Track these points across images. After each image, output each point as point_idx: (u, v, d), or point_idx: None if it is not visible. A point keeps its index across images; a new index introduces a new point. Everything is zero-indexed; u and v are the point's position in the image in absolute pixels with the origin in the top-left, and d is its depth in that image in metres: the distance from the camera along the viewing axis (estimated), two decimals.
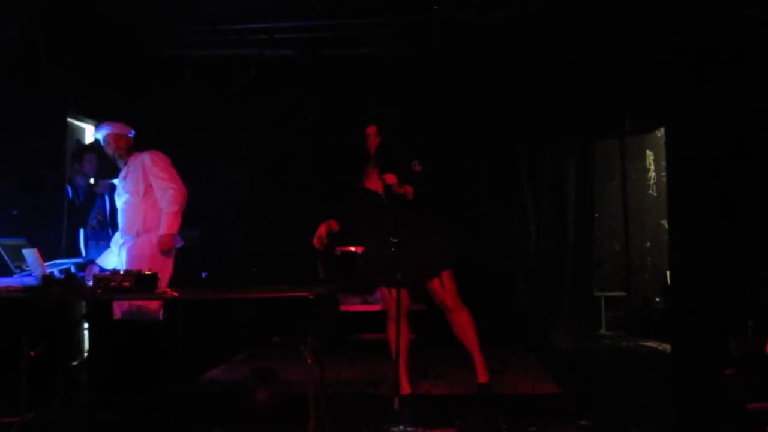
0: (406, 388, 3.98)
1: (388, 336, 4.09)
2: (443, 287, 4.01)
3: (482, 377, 4.06)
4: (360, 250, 6.46)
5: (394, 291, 3.84)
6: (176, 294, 3.43)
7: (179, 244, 4.33)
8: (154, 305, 4.11)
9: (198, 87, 6.20)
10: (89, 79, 5.34)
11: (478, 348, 4.06)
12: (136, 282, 3.40)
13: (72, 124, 5.63)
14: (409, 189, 3.86)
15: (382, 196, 3.87)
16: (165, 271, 4.21)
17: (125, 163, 4.36)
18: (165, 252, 4.17)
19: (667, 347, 5.63)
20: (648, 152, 6.71)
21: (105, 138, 4.36)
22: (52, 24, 4.92)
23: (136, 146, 4.44)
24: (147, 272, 3.63)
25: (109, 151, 4.38)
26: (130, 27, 5.57)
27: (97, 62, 5.40)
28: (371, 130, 4.06)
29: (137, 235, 4.26)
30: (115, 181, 4.44)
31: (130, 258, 4.20)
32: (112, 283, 3.36)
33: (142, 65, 5.94)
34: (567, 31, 5.63)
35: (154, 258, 4.19)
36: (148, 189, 4.27)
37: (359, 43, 5.97)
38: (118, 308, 4.08)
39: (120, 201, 4.35)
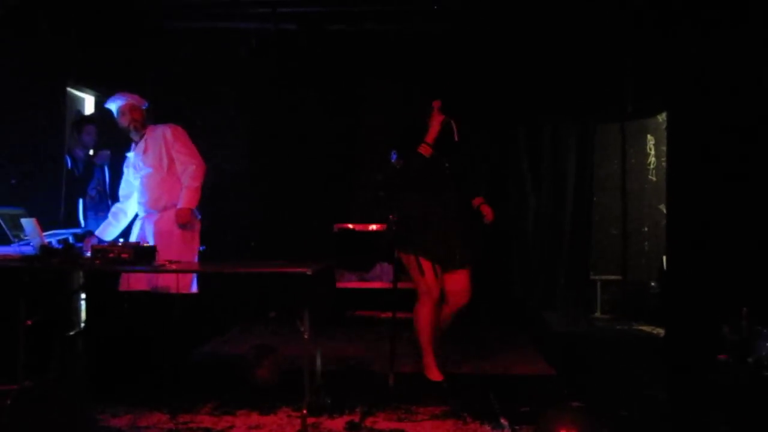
0: (437, 374, 3.90)
1: (418, 320, 3.89)
2: (467, 288, 3.93)
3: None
4: (359, 227, 6.50)
5: (438, 269, 3.83)
6: (174, 267, 3.44)
7: (198, 216, 4.35)
8: (185, 278, 4.14)
9: (198, 59, 6.16)
10: (90, 49, 5.30)
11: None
12: (135, 254, 3.42)
13: (72, 94, 5.60)
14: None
15: (446, 170, 3.89)
16: (194, 243, 4.30)
17: (141, 136, 4.31)
18: (182, 226, 4.18)
19: (661, 331, 5.66)
20: (649, 137, 6.70)
21: (120, 108, 4.29)
22: None
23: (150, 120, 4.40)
24: (146, 245, 3.65)
25: (124, 122, 4.31)
26: None
27: (98, 33, 5.36)
28: (436, 103, 3.87)
29: (164, 209, 4.25)
30: (130, 154, 4.36)
31: (157, 231, 4.21)
32: (111, 255, 3.38)
33: (143, 36, 5.90)
34: (571, 13, 5.59)
35: (184, 231, 4.23)
36: (171, 163, 4.26)
37: (363, 18, 5.93)
38: (136, 280, 4.08)
39: (138, 174, 4.30)
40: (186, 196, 4.21)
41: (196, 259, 4.28)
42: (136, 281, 4.08)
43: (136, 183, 4.32)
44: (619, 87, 6.26)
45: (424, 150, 3.81)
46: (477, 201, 4.06)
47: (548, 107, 6.45)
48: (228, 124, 6.42)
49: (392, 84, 6.33)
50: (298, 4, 5.75)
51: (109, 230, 4.34)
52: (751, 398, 3.40)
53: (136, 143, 4.33)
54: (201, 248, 5.85)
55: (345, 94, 6.65)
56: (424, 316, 3.88)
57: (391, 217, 3.84)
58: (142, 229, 4.27)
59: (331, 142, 6.70)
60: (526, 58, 6.16)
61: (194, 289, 4.23)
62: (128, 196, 4.38)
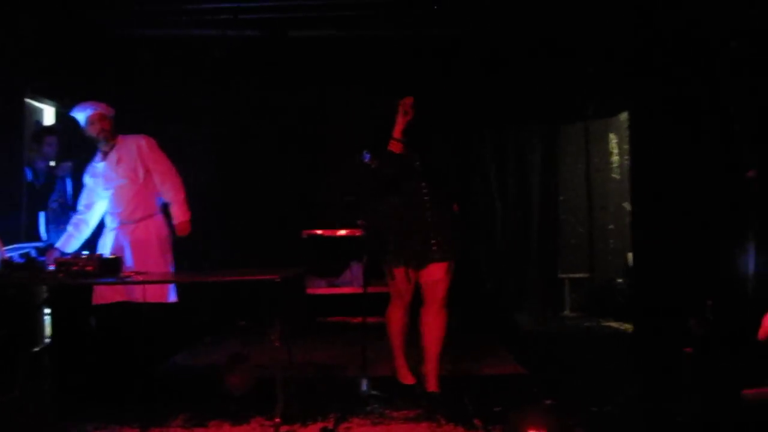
0: (408, 378, 3.89)
1: (390, 323, 3.89)
2: (444, 278, 3.75)
3: (433, 386, 3.77)
4: (328, 233, 6.48)
5: (411, 272, 3.74)
6: (140, 277, 3.39)
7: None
8: (163, 289, 4.09)
9: (159, 68, 6.08)
10: (48, 59, 5.20)
11: (439, 357, 3.80)
12: (100, 266, 3.36)
13: (31, 105, 5.49)
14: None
15: (417, 166, 3.73)
16: (168, 253, 4.28)
17: (111, 146, 4.24)
18: (183, 235, 4.24)
19: (629, 327, 5.75)
20: (611, 136, 6.80)
21: (89, 118, 4.20)
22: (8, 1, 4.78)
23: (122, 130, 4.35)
24: (111, 256, 3.59)
25: (93, 131, 4.22)
26: (90, 5, 5.43)
27: (57, 42, 5.26)
28: (409, 101, 3.68)
29: (140, 220, 4.21)
30: (99, 165, 4.28)
31: (134, 242, 4.17)
32: (74, 267, 3.32)
33: (103, 45, 5.80)
34: (533, 15, 5.65)
35: (161, 241, 4.23)
36: (147, 174, 4.23)
37: (325, 24, 5.91)
38: (109, 292, 4.02)
39: (109, 185, 4.23)
40: (179, 209, 4.25)
41: (172, 269, 4.25)
42: (112, 294, 4.02)
43: (107, 194, 4.25)
44: (581, 87, 6.34)
45: (394, 146, 3.64)
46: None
47: (512, 109, 6.51)
48: (193, 132, 6.35)
49: (357, 89, 6.33)
50: (260, 11, 5.71)
51: (71, 242, 4.26)
52: (715, 389, 3.47)
53: (106, 153, 4.26)
54: None
55: (310, 100, 6.63)
56: (395, 319, 3.86)
57: (360, 222, 3.83)
58: (116, 240, 4.21)
59: (297, 148, 6.67)
60: (489, 61, 6.21)
61: (173, 298, 4.19)
62: (90, 206, 4.30)
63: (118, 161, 4.22)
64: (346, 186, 6.42)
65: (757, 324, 3.18)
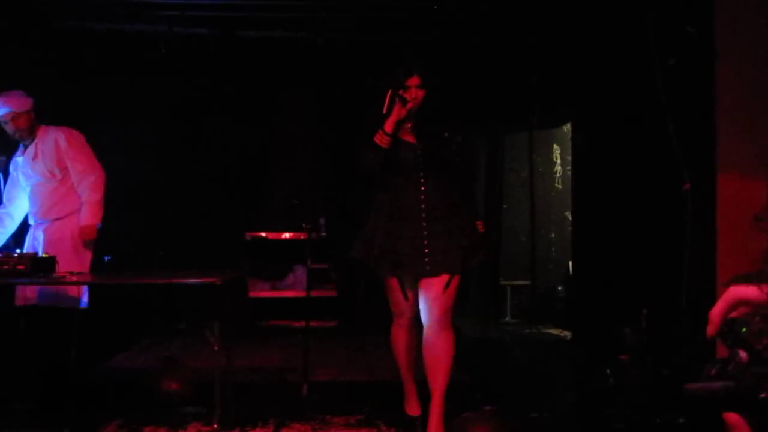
0: (413, 407, 3.36)
1: (392, 344, 3.34)
2: (439, 295, 3.07)
3: (434, 428, 3.13)
4: (272, 236, 6.41)
5: (407, 284, 3.13)
6: (75, 278, 3.28)
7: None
8: (77, 291, 3.92)
9: (103, 63, 5.92)
10: None
11: (444, 391, 3.16)
12: (32, 265, 3.24)
13: None
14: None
15: (419, 161, 3.12)
16: (85, 255, 4.05)
17: (32, 140, 4.05)
18: (88, 243, 3.97)
19: (568, 334, 5.86)
20: (555, 146, 6.94)
21: (2, 118, 4.00)
22: None
23: (39, 116, 4.12)
24: (44, 255, 3.47)
25: (9, 130, 4.03)
26: None
27: None
28: (414, 81, 3.13)
29: (56, 219, 4.03)
30: (19, 159, 4.10)
31: (48, 241, 3.97)
32: (5, 267, 3.19)
33: (44, 36, 5.61)
34: (477, 23, 5.71)
35: (75, 241, 4.01)
36: (65, 171, 4.03)
37: (275, 25, 5.86)
38: (34, 293, 3.85)
39: (28, 182, 4.06)
40: (89, 211, 3.99)
41: (87, 271, 4.09)
42: (33, 294, 3.87)
43: (27, 190, 4.09)
44: (526, 98, 6.45)
45: (380, 139, 3.06)
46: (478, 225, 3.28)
47: (457, 117, 6.55)
48: (135, 129, 6.20)
49: (304, 92, 6.30)
50: (208, 8, 5.62)
51: None
52: (649, 396, 3.56)
53: (26, 146, 4.08)
54: (106, 258, 5.62)
55: (257, 102, 6.56)
56: (396, 339, 3.32)
57: (304, 225, 3.74)
58: (32, 238, 4.05)
59: (242, 149, 6.59)
60: (433, 67, 6.24)
61: (84, 304, 3.99)
62: (12, 200, 4.13)
63: (35, 157, 4.02)
64: (292, 188, 6.38)
65: (690, 332, 3.28)
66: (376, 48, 6.08)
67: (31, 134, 4.05)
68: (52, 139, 4.03)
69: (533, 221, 6.83)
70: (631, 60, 4.59)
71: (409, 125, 3.13)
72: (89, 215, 4.00)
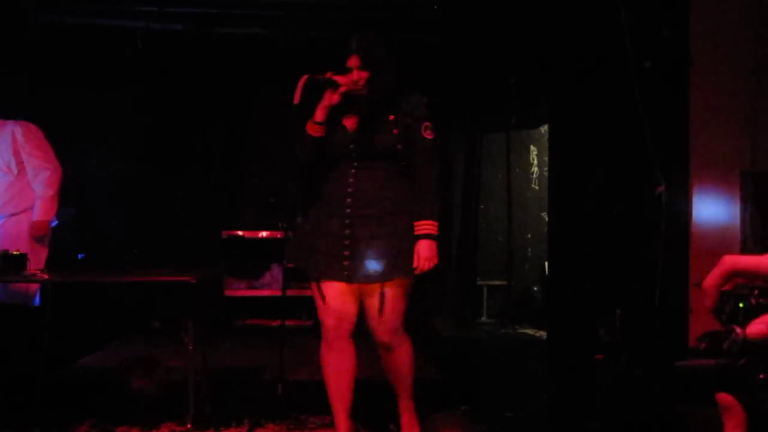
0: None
1: (323, 370, 2.91)
2: (395, 301, 2.77)
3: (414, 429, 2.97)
4: (249, 234, 6.37)
5: (333, 290, 2.73)
6: (46, 276, 3.23)
7: (54, 223, 4.08)
8: (31, 288, 3.86)
9: (78, 58, 5.85)
10: None
11: (412, 385, 2.98)
12: (3, 262, 3.19)
13: None
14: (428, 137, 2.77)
15: (351, 151, 2.72)
16: (41, 251, 3.98)
17: None
18: (38, 239, 3.90)
19: (544, 334, 5.89)
20: (532, 147, 6.98)
21: None
22: None
23: (3, 113, 4.05)
24: (15, 252, 3.41)
25: None
26: None
27: None
28: (354, 61, 2.73)
29: (12, 214, 3.96)
30: None
31: (3, 237, 3.91)
32: None
33: (19, 29, 5.52)
34: (456, 23, 5.73)
35: (31, 237, 3.94)
36: (21, 166, 3.95)
37: (251, 23, 5.83)
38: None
39: None
40: (42, 207, 3.93)
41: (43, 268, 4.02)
42: None
43: None
44: (504, 99, 6.48)
45: (310, 128, 2.75)
46: (417, 227, 2.76)
47: (435, 116, 6.57)
48: (110, 126, 6.14)
49: (281, 90, 6.25)
50: (186, 4, 5.57)
51: None
52: (623, 395, 3.59)
53: None
54: (80, 256, 5.56)
55: (233, 99, 6.51)
56: (322, 357, 2.90)
57: (280, 224, 3.70)
58: None
59: (218, 147, 6.54)
60: (413, 68, 6.25)
61: (36, 302, 3.94)
62: None
63: None
64: (269, 187, 6.34)
65: (663, 333, 3.31)
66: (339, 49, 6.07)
67: None
68: (9, 131, 3.96)
69: (510, 222, 6.87)
70: (608, 62, 4.64)
71: (354, 109, 2.74)
72: (42, 211, 3.93)
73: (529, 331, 6.24)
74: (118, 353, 5.06)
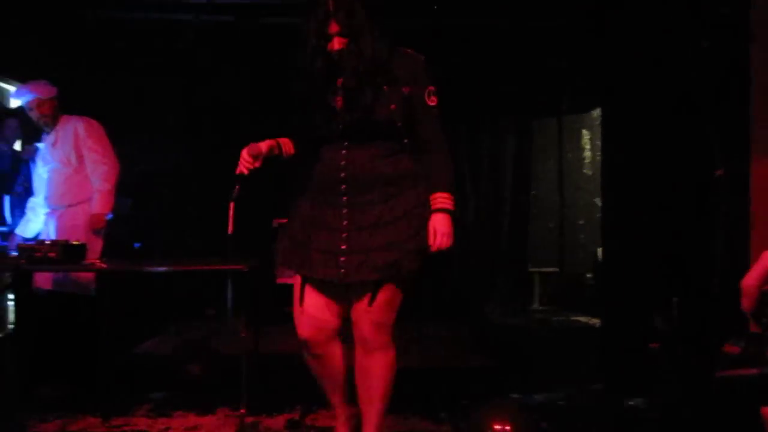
0: None
1: (310, 369, 2.61)
2: (388, 292, 2.34)
3: None
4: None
5: (326, 299, 2.41)
6: (105, 265, 3.33)
7: (109, 216, 4.20)
8: (87, 277, 3.99)
9: (132, 51, 5.97)
10: (15, 38, 5.07)
11: (384, 409, 2.47)
12: (63, 252, 3.29)
13: None
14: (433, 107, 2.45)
15: (341, 123, 2.37)
16: (97, 242, 4.09)
17: (53, 128, 4.14)
18: (96, 231, 4.03)
19: (597, 322, 5.79)
20: (584, 132, 6.84)
21: (27, 104, 4.11)
22: None
23: (64, 107, 4.20)
24: (75, 242, 3.52)
25: (33, 117, 4.14)
26: None
27: (24, 21, 5.13)
28: (334, 28, 2.33)
29: (69, 206, 4.10)
30: (41, 145, 4.21)
31: (60, 228, 4.05)
32: (37, 254, 3.24)
33: (74, 26, 5.68)
34: (506, 8, 5.64)
35: (87, 229, 4.06)
36: (81, 159, 4.10)
37: (296, 11, 5.84)
38: (48, 279, 3.94)
39: (46, 168, 4.16)
40: (99, 201, 4.07)
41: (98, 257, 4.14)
42: (43, 280, 3.94)
43: (45, 177, 4.15)
44: (555, 83, 6.36)
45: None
46: (432, 201, 2.44)
47: (486, 104, 6.52)
48: (164, 117, 6.26)
49: None
50: None
51: (30, 226, 4.19)
52: (680, 385, 3.51)
53: (47, 133, 4.18)
54: (136, 245, 5.70)
55: (283, 87, 6.56)
56: (310, 367, 2.59)
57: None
58: (45, 225, 4.13)
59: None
60: (464, 55, 6.20)
61: (93, 292, 4.05)
62: (41, 189, 4.23)
63: (54, 144, 4.12)
64: None
65: (721, 322, 3.22)
66: (405, 34, 6.03)
67: (53, 121, 4.13)
68: (72, 127, 4.11)
69: (562, 207, 6.76)
70: (662, 42, 4.50)
71: (339, 82, 2.37)
72: (99, 205, 4.07)
73: (582, 319, 6.15)
74: (174, 339, 5.19)
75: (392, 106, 2.35)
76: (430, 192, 2.43)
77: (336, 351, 2.48)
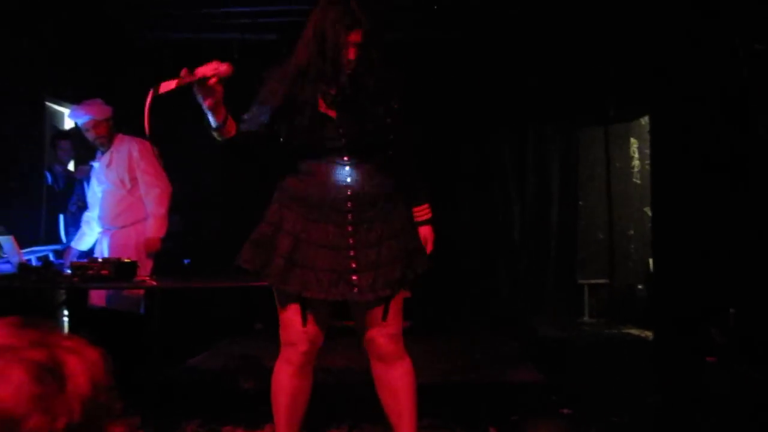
0: None
1: (275, 389, 2.56)
2: (397, 303, 2.38)
3: None
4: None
5: (327, 315, 2.42)
6: (155, 283, 3.38)
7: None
8: (137, 294, 4.06)
9: (179, 71, 6.10)
10: (69, 61, 5.24)
11: (416, 419, 2.52)
12: (115, 270, 3.36)
13: (51, 108, 5.54)
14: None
15: (343, 137, 2.27)
16: (148, 262, 4.17)
17: (108, 148, 4.21)
18: (151, 255, 4.10)
19: (650, 335, 5.65)
20: (632, 140, 6.71)
21: (84, 126, 4.19)
22: (30, 5, 4.82)
23: (117, 125, 4.28)
24: (126, 260, 3.59)
25: (89, 138, 4.22)
26: (112, 9, 5.47)
27: (76, 44, 5.30)
28: (356, 36, 2.21)
29: (122, 226, 4.18)
30: (95, 164, 4.31)
31: (113, 247, 4.14)
32: (90, 272, 3.32)
33: (123, 48, 5.84)
34: (554, 17, 5.59)
35: (139, 249, 4.13)
36: (135, 181, 4.17)
37: None
38: (101, 296, 4.03)
39: (100, 187, 4.26)
40: (154, 225, 4.12)
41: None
42: (97, 298, 4.03)
43: (99, 196, 4.25)
44: (601, 91, 6.27)
45: (217, 135, 2.49)
46: (416, 213, 2.50)
47: (531, 113, 6.46)
48: (210, 135, 6.38)
49: None
50: (279, 15, 5.72)
51: (84, 240, 4.30)
52: (739, 401, 3.39)
53: (103, 153, 4.25)
54: (186, 261, 5.79)
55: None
56: (278, 379, 2.53)
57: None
58: (99, 243, 4.22)
59: None
60: (509, 63, 6.16)
61: (142, 310, 4.12)
62: (95, 205, 4.33)
63: (108, 164, 4.18)
64: None
65: None
66: (448, 44, 6.03)
67: (109, 141, 4.20)
68: (126, 149, 4.18)
69: (611, 218, 6.63)
70: (712, 46, 4.40)
71: (333, 93, 2.28)
72: (154, 229, 4.12)
73: (634, 332, 6.00)
74: (224, 355, 5.25)
75: (387, 120, 2.33)
76: (415, 204, 2.48)
77: (311, 372, 2.52)
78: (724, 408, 3.43)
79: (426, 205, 2.51)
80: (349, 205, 2.29)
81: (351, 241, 2.28)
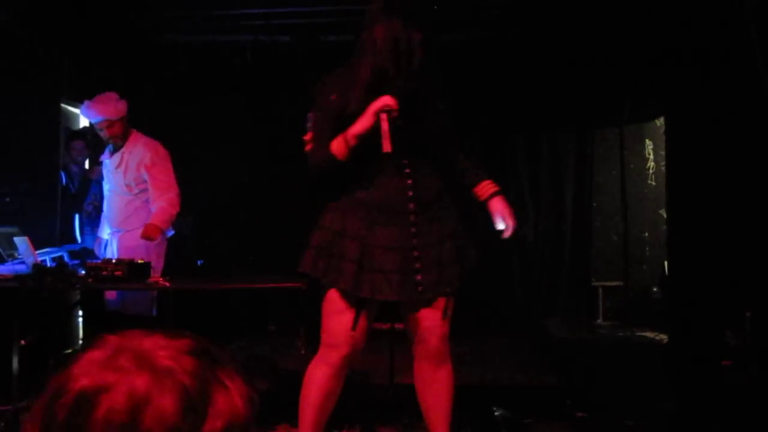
0: None
1: (305, 386, 2.53)
2: (438, 323, 2.42)
3: None
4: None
5: (367, 311, 2.41)
6: (168, 284, 3.40)
7: (170, 233, 4.28)
8: (149, 298, 4.08)
9: (194, 72, 6.14)
10: (84, 63, 5.28)
11: (451, 420, 2.54)
12: (129, 271, 3.38)
13: (66, 109, 5.58)
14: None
15: (403, 138, 2.25)
16: (158, 260, 4.17)
17: (121, 148, 4.17)
18: (147, 238, 4.03)
19: (665, 338, 5.61)
20: (647, 141, 6.66)
21: (98, 125, 4.17)
22: (45, 6, 4.86)
23: (132, 120, 4.25)
24: (140, 261, 3.61)
25: (103, 137, 4.21)
26: (126, 11, 5.50)
27: (92, 47, 5.34)
28: (418, 35, 2.25)
29: (131, 229, 4.19)
30: (106, 161, 4.27)
31: (122, 248, 4.15)
32: (104, 272, 3.33)
33: (138, 50, 5.88)
34: (566, 19, 5.57)
35: (148, 248, 4.12)
36: (142, 186, 4.15)
37: (357, 28, 5.90)
38: (113, 298, 4.05)
39: (107, 186, 4.25)
40: (160, 215, 4.06)
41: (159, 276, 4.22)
42: (112, 299, 4.06)
43: (107, 194, 4.26)
44: (616, 92, 6.23)
45: (338, 149, 2.33)
46: (483, 189, 2.53)
47: (545, 114, 6.43)
48: (226, 136, 6.40)
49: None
50: (292, 16, 5.73)
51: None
52: (755, 405, 3.35)
53: (115, 149, 4.20)
54: (199, 262, 5.80)
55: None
56: (313, 380, 2.49)
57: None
58: (108, 245, 4.25)
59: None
60: (523, 64, 6.14)
61: (155, 312, 4.13)
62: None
63: (117, 166, 4.15)
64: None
65: None
66: (466, 45, 6.02)
67: (124, 139, 4.17)
68: (140, 153, 4.13)
69: (625, 220, 6.58)
70: (727, 46, 4.36)
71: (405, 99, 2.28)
72: (159, 218, 4.05)
73: (649, 335, 5.95)
74: (237, 355, 5.26)
75: (441, 120, 2.43)
76: (478, 180, 2.52)
77: (343, 370, 2.51)
78: (740, 412, 3.39)
79: (490, 180, 2.54)
80: (411, 207, 2.34)
81: (415, 242, 2.34)
